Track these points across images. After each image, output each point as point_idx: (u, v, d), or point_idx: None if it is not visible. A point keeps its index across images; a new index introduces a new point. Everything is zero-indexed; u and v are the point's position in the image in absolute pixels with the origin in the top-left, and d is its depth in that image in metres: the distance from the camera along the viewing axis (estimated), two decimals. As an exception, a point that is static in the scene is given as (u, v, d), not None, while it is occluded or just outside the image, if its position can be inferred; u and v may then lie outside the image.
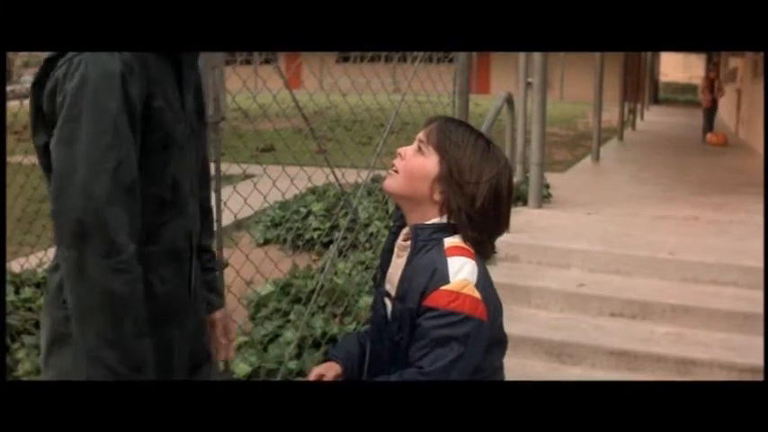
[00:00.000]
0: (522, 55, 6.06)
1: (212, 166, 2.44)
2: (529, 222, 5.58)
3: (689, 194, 7.33)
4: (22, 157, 4.93)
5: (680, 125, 18.29)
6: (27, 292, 4.53)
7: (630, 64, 14.33)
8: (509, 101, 4.93)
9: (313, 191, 7.04)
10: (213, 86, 2.50)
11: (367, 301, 4.31)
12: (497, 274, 4.79)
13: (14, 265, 4.99)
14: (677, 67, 43.18)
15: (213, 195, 2.50)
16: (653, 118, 19.54)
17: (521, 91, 6.07)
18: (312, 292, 4.49)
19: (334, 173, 2.75)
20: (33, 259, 5.05)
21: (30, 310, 4.37)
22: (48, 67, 1.50)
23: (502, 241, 5.09)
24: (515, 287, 4.62)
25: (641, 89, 18.68)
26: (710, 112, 14.02)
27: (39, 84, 1.52)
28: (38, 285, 4.68)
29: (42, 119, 1.52)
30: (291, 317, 4.33)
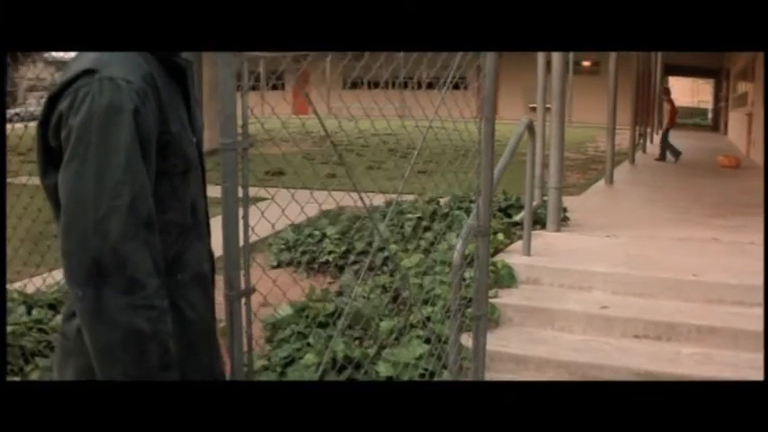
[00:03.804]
0: (540, 80, 6.06)
1: (240, 192, 2.41)
2: (549, 245, 5.53)
3: (706, 217, 7.27)
4: (27, 178, 4.94)
5: (690, 148, 18.20)
6: (39, 313, 4.49)
7: (641, 88, 14.34)
8: (530, 127, 4.91)
9: (326, 214, 7.03)
10: (242, 112, 2.48)
11: (388, 325, 4.26)
12: (519, 296, 4.76)
13: (18, 285, 4.96)
14: (685, 91, 43.36)
15: (241, 222, 2.48)
16: (662, 141, 19.50)
17: (539, 115, 6.06)
18: (332, 315, 4.45)
19: (361, 197, 2.73)
20: (38, 280, 5.02)
21: (42, 331, 4.33)
22: (51, 103, 1.43)
23: (523, 264, 5.05)
24: (538, 310, 4.56)
25: (650, 113, 18.67)
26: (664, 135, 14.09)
27: (44, 121, 1.45)
28: (50, 306, 4.65)
29: (51, 157, 1.45)
30: (310, 340, 4.28)
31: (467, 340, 3.72)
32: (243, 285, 2.49)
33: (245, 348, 2.60)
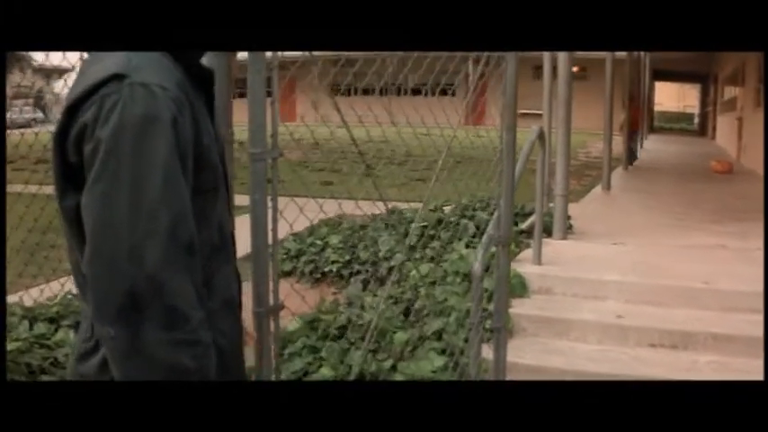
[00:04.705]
0: (546, 86, 6.03)
1: (269, 202, 2.34)
2: (557, 254, 5.49)
3: (707, 223, 7.27)
4: (23, 187, 4.85)
5: (679, 153, 18.37)
6: (41, 327, 4.38)
7: (633, 94, 14.38)
8: (541, 136, 4.88)
9: (327, 222, 6.97)
10: (272, 120, 2.42)
11: (402, 337, 4.19)
12: (532, 306, 4.72)
13: (14, 298, 4.84)
14: (671, 96, 43.73)
15: (270, 234, 2.41)
16: (652, 146, 19.64)
17: (545, 122, 6.02)
18: (345, 327, 4.38)
19: (386, 205, 2.68)
20: (35, 291, 4.91)
21: (45, 347, 4.23)
22: (71, 112, 1.25)
23: (534, 273, 5.01)
24: (553, 320, 4.53)
25: (642, 118, 18.76)
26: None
27: (62, 134, 1.26)
28: (51, 320, 4.55)
29: (70, 175, 1.27)
30: (323, 353, 4.20)
31: (485, 352, 3.67)
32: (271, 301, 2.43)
33: (274, 366, 2.53)
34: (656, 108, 35.46)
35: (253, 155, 2.21)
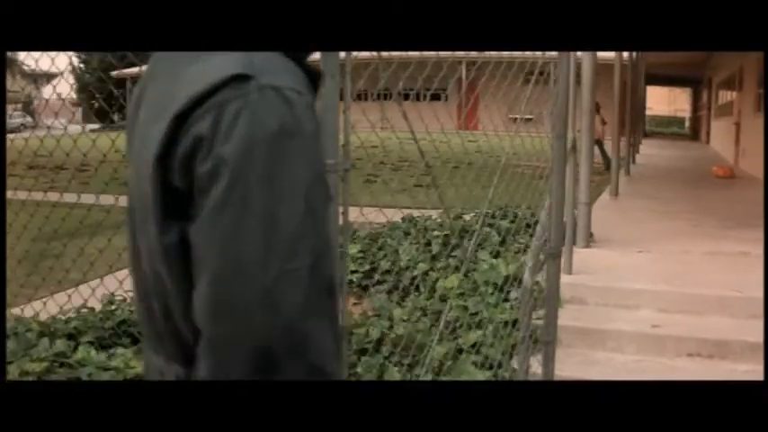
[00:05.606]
0: (570, 92, 5.98)
1: (340, 217, 2.27)
2: (584, 263, 5.44)
3: (724, 229, 7.26)
4: (27, 194, 4.76)
5: (675, 157, 18.45)
6: (60, 345, 4.27)
7: (632, 98, 14.42)
8: (573, 145, 4.84)
9: (341, 231, 6.88)
10: (344, 130, 2.34)
11: (440, 350, 4.12)
12: (566, 317, 4.65)
13: (16, 310, 4.75)
14: (662, 100, 44.04)
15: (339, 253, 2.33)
16: (647, 151, 19.70)
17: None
18: (379, 341, 4.31)
19: (448, 214, 2.62)
20: (37, 304, 4.81)
21: (66, 365, 4.13)
22: (176, 125, 0.98)
23: (566, 283, 4.95)
24: (588, 330, 4.48)
25: (637, 123, 18.84)
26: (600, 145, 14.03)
27: (165, 151, 0.99)
28: (69, 336, 4.45)
29: (175, 203, 1.01)
30: (358, 369, 4.13)
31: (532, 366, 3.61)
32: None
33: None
34: (647, 112, 35.74)
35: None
